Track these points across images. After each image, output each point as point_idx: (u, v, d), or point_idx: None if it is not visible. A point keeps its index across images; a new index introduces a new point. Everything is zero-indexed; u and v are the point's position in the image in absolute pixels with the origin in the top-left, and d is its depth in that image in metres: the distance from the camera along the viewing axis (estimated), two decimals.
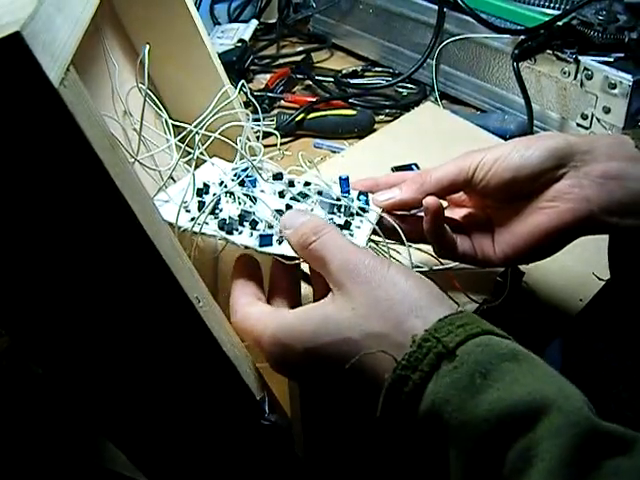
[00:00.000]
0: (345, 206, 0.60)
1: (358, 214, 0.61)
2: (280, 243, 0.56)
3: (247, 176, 0.62)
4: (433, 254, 0.65)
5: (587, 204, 0.57)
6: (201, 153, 0.62)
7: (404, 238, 0.59)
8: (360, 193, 0.64)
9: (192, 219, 0.57)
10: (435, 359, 0.42)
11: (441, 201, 0.61)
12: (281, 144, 1.03)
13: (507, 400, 0.39)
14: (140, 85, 0.59)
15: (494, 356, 0.42)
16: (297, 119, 1.08)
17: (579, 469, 0.36)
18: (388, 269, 0.48)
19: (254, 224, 0.57)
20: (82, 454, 0.63)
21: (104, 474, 0.62)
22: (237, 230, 0.57)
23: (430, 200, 0.60)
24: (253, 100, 0.67)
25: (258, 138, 0.71)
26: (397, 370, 0.43)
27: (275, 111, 1.14)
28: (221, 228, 0.57)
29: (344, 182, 0.64)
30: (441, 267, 0.69)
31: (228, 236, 0.57)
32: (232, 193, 0.61)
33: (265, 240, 0.56)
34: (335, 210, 0.60)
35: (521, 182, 0.59)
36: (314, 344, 0.46)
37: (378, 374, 0.44)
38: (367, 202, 0.63)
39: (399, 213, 0.64)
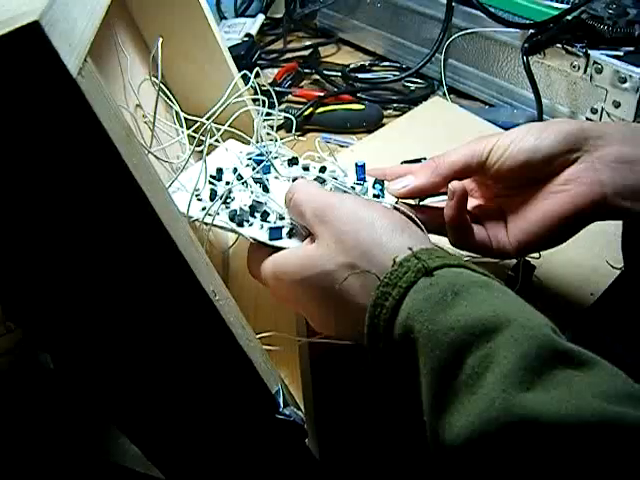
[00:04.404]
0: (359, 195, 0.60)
1: None
2: (290, 237, 0.56)
3: (261, 162, 0.62)
4: (443, 248, 0.64)
5: (600, 188, 0.57)
6: (216, 142, 0.62)
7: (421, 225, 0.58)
8: (376, 181, 0.63)
9: (203, 208, 0.57)
10: (413, 277, 0.46)
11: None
12: (290, 140, 1.03)
13: (473, 314, 0.42)
14: (153, 78, 0.58)
15: (467, 281, 0.45)
16: (305, 113, 1.08)
17: (533, 373, 0.39)
18: (353, 206, 0.53)
19: (265, 216, 0.57)
20: (92, 448, 0.63)
21: (114, 469, 0.62)
22: (248, 222, 0.57)
23: (456, 184, 0.59)
24: (270, 89, 0.66)
25: (268, 134, 0.71)
26: (380, 287, 0.47)
27: (283, 105, 1.14)
28: (232, 219, 0.56)
29: (360, 169, 0.64)
30: None
31: (238, 228, 0.56)
32: (245, 181, 0.60)
33: (275, 233, 0.56)
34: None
35: (535, 165, 0.59)
36: (298, 277, 0.53)
37: (358, 300, 0.50)
38: (382, 191, 0.62)
39: (412, 203, 0.63)
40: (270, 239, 0.56)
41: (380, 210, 0.53)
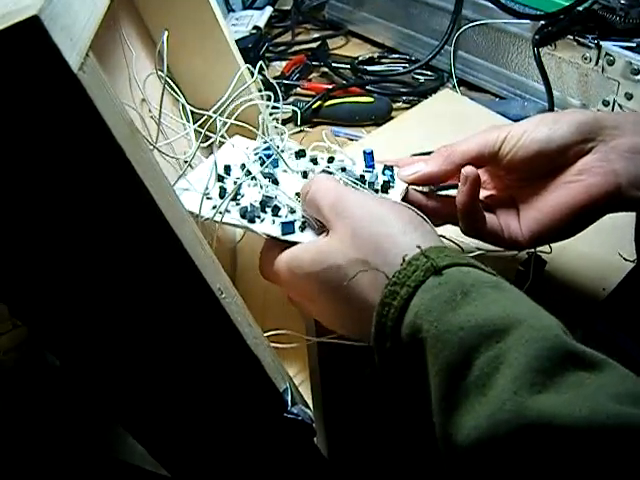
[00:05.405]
0: (369, 182, 0.60)
1: (383, 190, 0.60)
2: (303, 230, 0.56)
3: (268, 156, 0.61)
4: (452, 240, 0.64)
5: (615, 178, 0.56)
6: (222, 137, 0.61)
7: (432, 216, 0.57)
8: (385, 168, 0.62)
9: (214, 207, 0.57)
10: (422, 276, 0.45)
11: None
12: (298, 132, 1.03)
13: (483, 315, 0.41)
14: (159, 72, 0.58)
15: (477, 281, 0.44)
16: (314, 106, 1.07)
17: (545, 375, 0.38)
18: (369, 202, 0.53)
19: (276, 210, 0.57)
20: (98, 446, 0.63)
21: (122, 467, 0.61)
22: (259, 217, 0.56)
23: (469, 169, 0.59)
24: (274, 82, 0.66)
25: (276, 127, 0.71)
26: (388, 286, 0.46)
27: (291, 99, 1.13)
28: (243, 216, 0.56)
29: (368, 156, 0.63)
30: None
31: (250, 225, 0.56)
32: (254, 176, 0.60)
33: (287, 228, 0.55)
34: (359, 187, 0.59)
35: (548, 155, 0.59)
36: (310, 270, 0.52)
37: (367, 297, 0.49)
38: (392, 177, 0.62)
39: (422, 190, 0.63)
40: (283, 234, 0.55)
41: (395, 208, 0.53)
